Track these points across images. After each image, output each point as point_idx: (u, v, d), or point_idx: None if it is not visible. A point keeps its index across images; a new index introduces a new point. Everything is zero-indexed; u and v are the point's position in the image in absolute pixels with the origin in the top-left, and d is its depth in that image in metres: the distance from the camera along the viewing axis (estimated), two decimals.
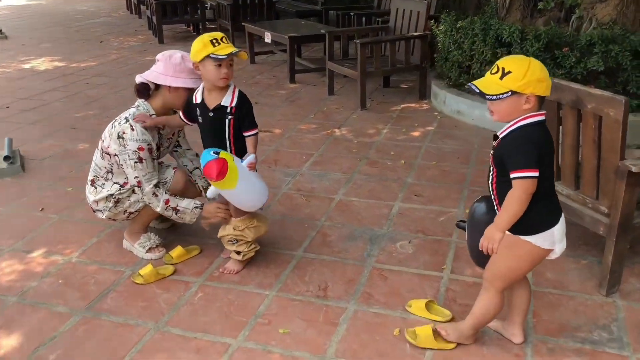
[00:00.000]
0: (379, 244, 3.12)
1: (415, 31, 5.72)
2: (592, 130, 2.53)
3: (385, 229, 3.28)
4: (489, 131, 4.84)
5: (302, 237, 3.20)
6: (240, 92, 2.70)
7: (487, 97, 1.91)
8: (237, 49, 2.55)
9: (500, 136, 1.98)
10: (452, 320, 2.48)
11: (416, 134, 4.84)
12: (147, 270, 2.82)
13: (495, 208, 2.08)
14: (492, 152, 2.04)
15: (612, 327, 2.42)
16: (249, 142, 2.72)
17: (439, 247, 3.08)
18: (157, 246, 3.05)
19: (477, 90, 1.92)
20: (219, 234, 2.88)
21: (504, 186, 2.00)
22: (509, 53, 4.72)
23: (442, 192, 3.73)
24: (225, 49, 2.53)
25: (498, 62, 1.94)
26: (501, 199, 2.03)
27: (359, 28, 6.64)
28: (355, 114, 5.42)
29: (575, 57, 4.31)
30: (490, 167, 2.06)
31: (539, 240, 2.02)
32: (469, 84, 1.97)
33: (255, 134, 2.73)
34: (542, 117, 1.95)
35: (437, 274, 2.83)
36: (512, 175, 1.92)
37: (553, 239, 2.04)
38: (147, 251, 3.02)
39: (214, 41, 2.55)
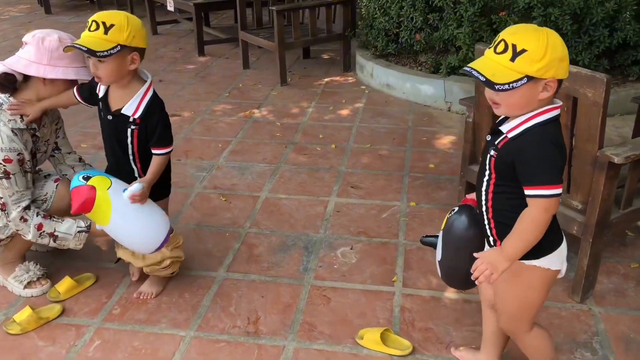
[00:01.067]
0: (316, 253, 2.64)
1: None
2: (564, 113, 2.14)
3: (322, 232, 2.80)
4: (421, 105, 4.44)
5: (224, 251, 2.65)
6: (152, 99, 2.09)
7: (496, 87, 1.40)
8: (81, 45, 1.92)
9: (510, 135, 1.50)
10: (412, 351, 2.05)
11: (345, 112, 4.36)
12: (24, 315, 2.19)
13: (486, 222, 1.63)
14: (491, 152, 1.55)
15: (595, 344, 2.08)
16: (152, 163, 2.13)
17: (386, 252, 2.64)
18: (38, 279, 2.41)
19: (482, 79, 1.41)
20: (137, 265, 2.28)
21: (502, 197, 1.56)
22: (441, 19, 4.31)
23: (381, 181, 3.28)
24: (81, 38, 1.97)
25: (504, 35, 1.42)
26: (497, 213, 1.59)
27: None
28: (276, 91, 4.86)
29: (513, 21, 3.95)
30: (486, 170, 1.59)
31: (546, 262, 1.60)
32: (467, 68, 1.45)
33: (165, 154, 2.13)
34: (558, 111, 1.50)
35: (388, 289, 2.39)
36: (529, 192, 1.46)
37: (562, 257, 1.63)
38: (25, 286, 2.38)
39: (91, 24, 1.97)
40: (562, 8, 3.86)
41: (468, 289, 1.89)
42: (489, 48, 1.46)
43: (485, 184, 1.59)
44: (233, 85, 5.01)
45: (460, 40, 4.09)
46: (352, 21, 5.21)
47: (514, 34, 1.42)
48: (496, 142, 1.53)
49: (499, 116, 1.58)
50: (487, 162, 1.56)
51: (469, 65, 1.46)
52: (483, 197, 1.61)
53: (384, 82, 4.74)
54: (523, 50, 1.38)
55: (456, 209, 1.74)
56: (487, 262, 1.54)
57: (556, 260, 1.60)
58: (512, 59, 1.39)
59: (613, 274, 2.46)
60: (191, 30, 6.58)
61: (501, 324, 1.76)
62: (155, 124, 2.09)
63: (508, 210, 1.55)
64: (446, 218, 1.76)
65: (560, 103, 1.51)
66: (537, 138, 1.46)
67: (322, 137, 3.90)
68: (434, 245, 1.83)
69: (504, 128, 1.51)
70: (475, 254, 1.59)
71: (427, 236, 1.89)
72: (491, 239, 1.63)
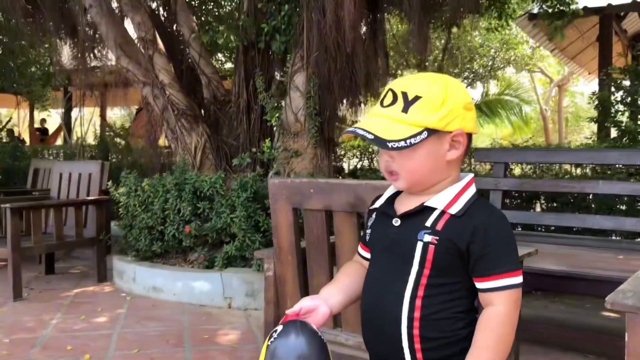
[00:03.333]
0: None
1: (88, 196, 4.58)
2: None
3: None
4: (197, 306, 3.79)
5: None
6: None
7: (390, 145, 1.07)
8: None
9: (452, 212, 1.11)
10: None
11: (101, 319, 3.48)
12: None
13: (405, 343, 1.11)
14: (424, 238, 1.11)
15: None
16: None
17: None
18: None
19: (369, 137, 1.07)
20: None
21: (438, 300, 1.11)
22: (211, 209, 3.97)
23: None
24: None
25: (393, 85, 1.12)
26: (428, 325, 1.10)
27: (6, 198, 5.03)
28: (6, 307, 3.76)
29: None
30: (411, 267, 1.13)
31: None
32: (353, 128, 1.11)
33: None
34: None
35: None
36: (493, 284, 1.08)
37: None
38: None
39: None
40: None
41: None
42: (377, 103, 1.15)
43: (410, 286, 1.11)
44: None
45: (236, 225, 3.75)
46: (107, 224, 4.58)
47: (405, 81, 1.12)
48: (429, 224, 1.11)
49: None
50: (418, 254, 1.11)
51: (358, 126, 1.11)
52: (405, 308, 1.11)
53: (149, 285, 4.03)
54: (417, 98, 1.08)
55: (279, 328, 1.14)
56: None
57: None
58: (405, 110, 1.08)
59: None
60: None
61: None
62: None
63: (445, 318, 1.10)
64: (265, 347, 1.14)
65: (471, 175, 1.19)
66: (495, 213, 1.12)
67: (72, 348, 2.94)
68: None
69: (434, 203, 1.12)
70: None
71: None
72: None
